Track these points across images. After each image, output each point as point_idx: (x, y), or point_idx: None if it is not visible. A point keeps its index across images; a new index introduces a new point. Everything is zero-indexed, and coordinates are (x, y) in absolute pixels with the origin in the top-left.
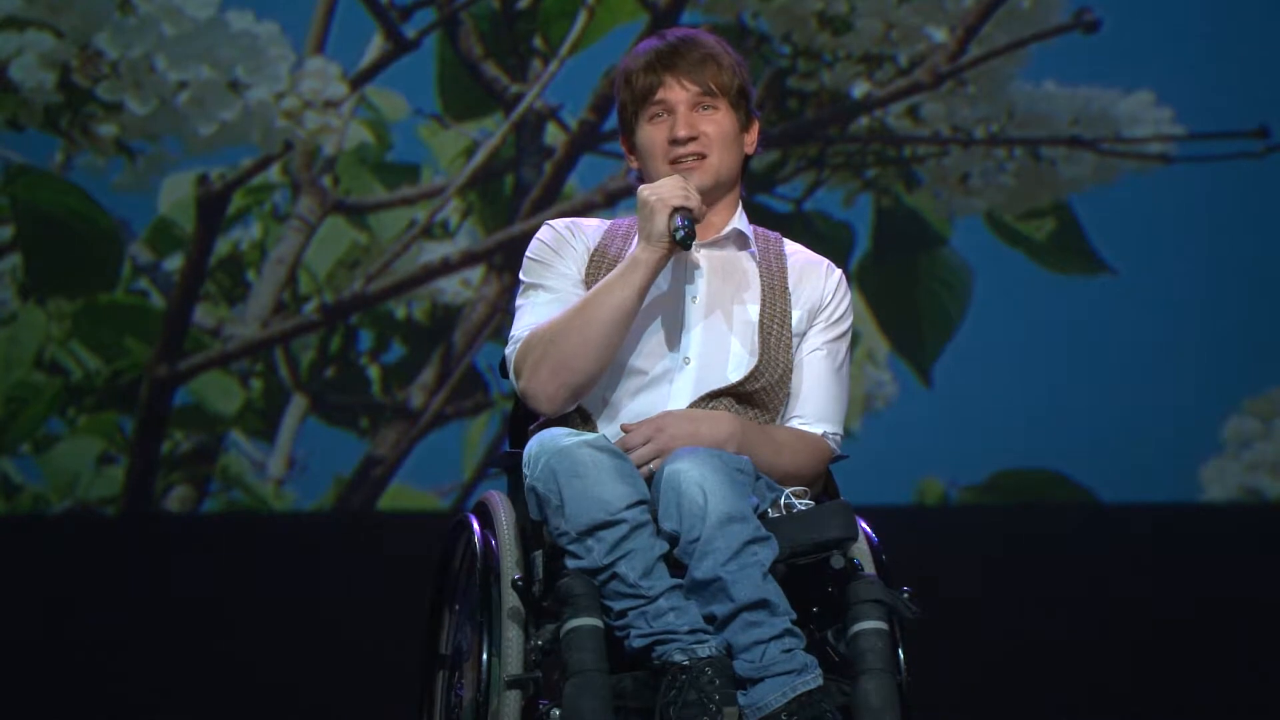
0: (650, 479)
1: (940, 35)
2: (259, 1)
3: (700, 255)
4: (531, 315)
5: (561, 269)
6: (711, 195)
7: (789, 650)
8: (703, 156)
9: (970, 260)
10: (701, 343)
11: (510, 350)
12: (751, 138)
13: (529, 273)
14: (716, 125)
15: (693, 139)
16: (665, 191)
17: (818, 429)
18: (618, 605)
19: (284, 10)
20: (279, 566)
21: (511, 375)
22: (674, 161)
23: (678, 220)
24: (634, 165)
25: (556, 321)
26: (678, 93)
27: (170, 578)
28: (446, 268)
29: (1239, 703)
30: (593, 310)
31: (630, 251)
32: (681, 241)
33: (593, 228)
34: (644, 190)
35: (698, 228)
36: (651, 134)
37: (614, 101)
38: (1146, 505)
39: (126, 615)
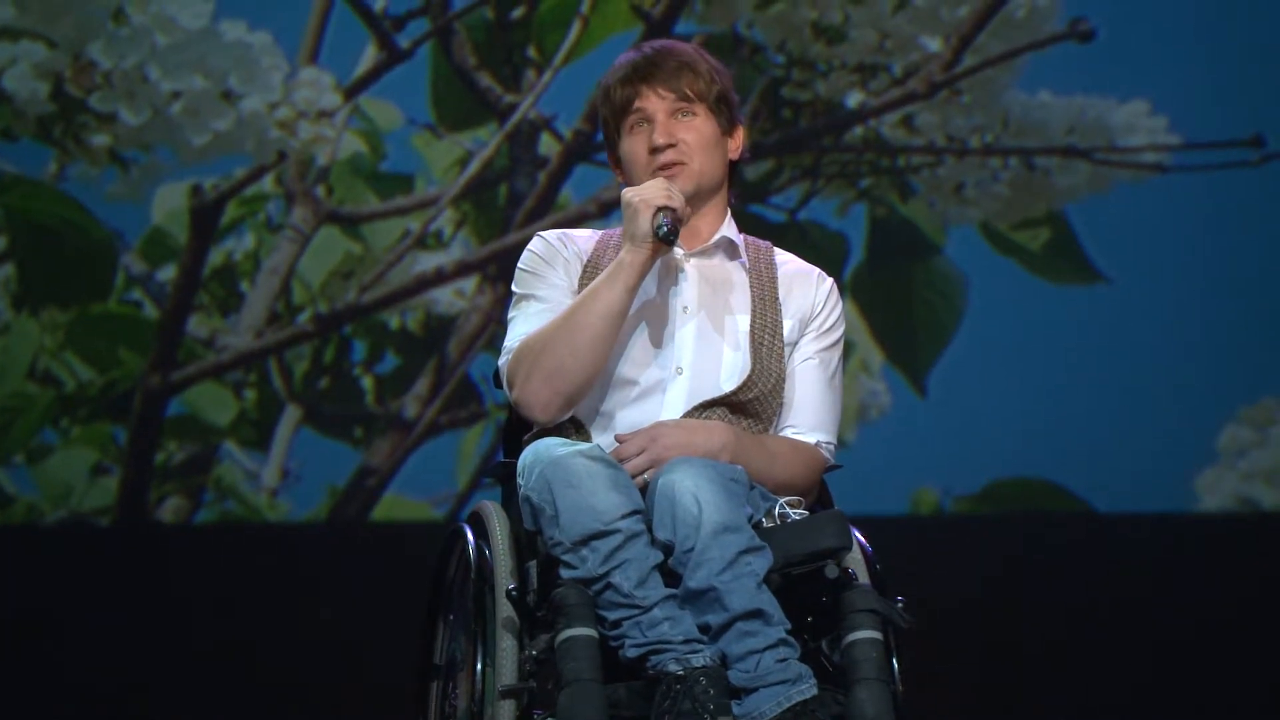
0: (644, 489)
1: (935, 45)
2: (252, 11)
3: (689, 264)
4: (524, 326)
5: (554, 279)
6: (696, 202)
7: (783, 660)
8: (682, 164)
9: (965, 270)
10: (693, 352)
11: (503, 361)
12: (736, 144)
13: (521, 284)
14: (695, 132)
15: (671, 146)
16: (648, 192)
17: (811, 438)
18: (612, 615)
19: (277, 20)
20: (273, 577)
21: (505, 386)
22: (655, 170)
23: (661, 219)
24: (620, 177)
25: (546, 329)
26: (654, 101)
27: (164, 588)
28: (440, 278)
29: (1236, 712)
30: (581, 315)
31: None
32: (664, 238)
33: (584, 238)
34: (627, 192)
35: (685, 235)
36: (632, 144)
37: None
38: (1142, 515)
39: (120, 626)
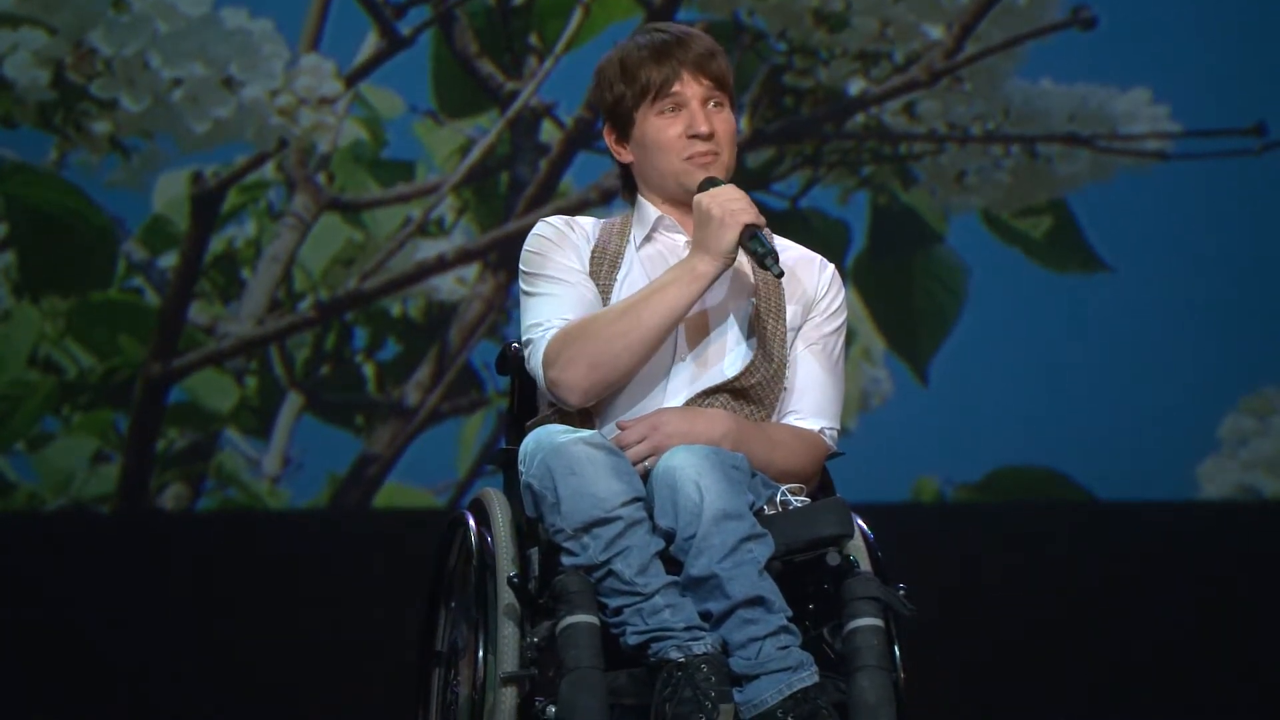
0: (646, 476)
1: (937, 32)
2: None
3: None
4: (552, 304)
5: (566, 261)
6: None
7: (785, 647)
8: (716, 154)
9: (967, 258)
10: (697, 340)
11: (537, 336)
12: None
13: (534, 264)
14: (725, 123)
15: (710, 135)
16: (733, 204)
17: (814, 425)
18: (613, 602)
19: (278, 7)
20: (274, 564)
21: (537, 363)
22: (689, 157)
23: (762, 244)
24: (626, 159)
25: (600, 318)
26: (692, 87)
27: (165, 576)
28: (442, 265)
29: (1237, 701)
30: (642, 314)
31: (631, 254)
32: (772, 269)
33: (590, 225)
34: (706, 201)
35: (689, 223)
36: (662, 126)
37: (600, 94)
38: (1143, 503)
39: (121, 613)
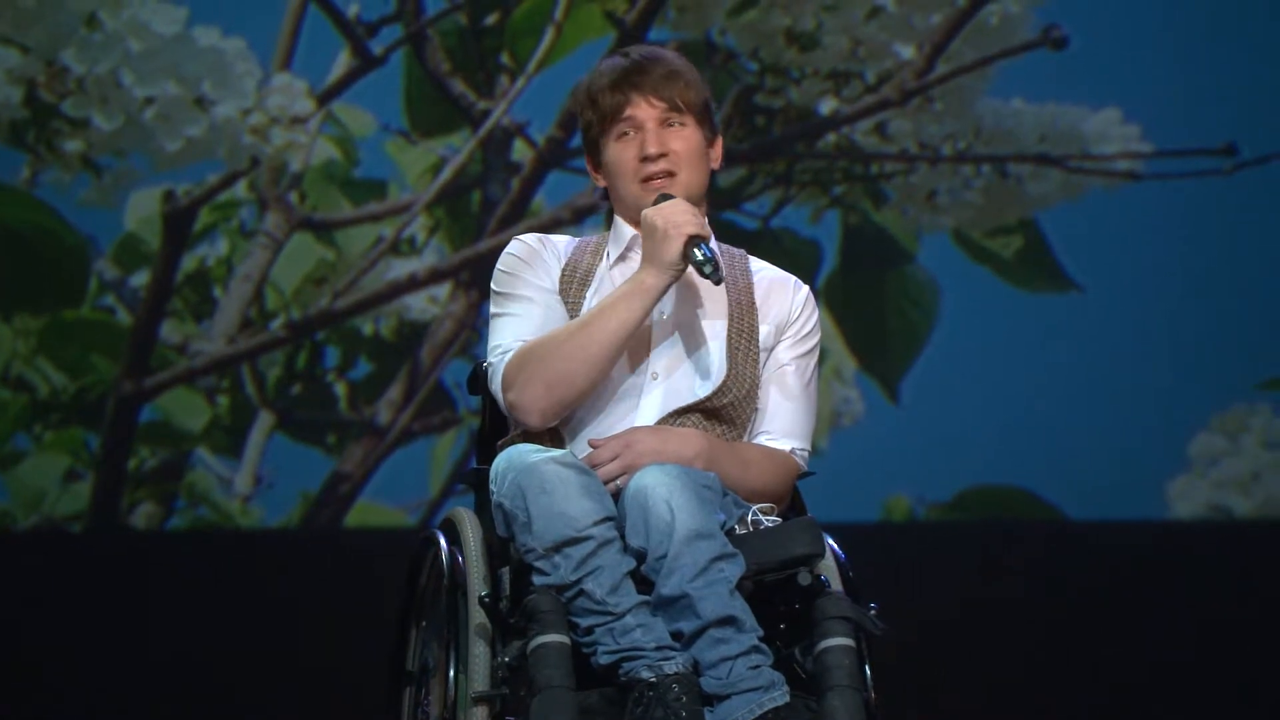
0: (618, 495)
1: (908, 52)
2: (226, 17)
3: None
4: (514, 326)
5: (536, 281)
6: None
7: (756, 667)
8: (672, 174)
9: (938, 277)
10: (669, 359)
11: (496, 360)
12: (716, 153)
13: (504, 284)
14: (684, 142)
15: (663, 155)
16: (677, 217)
17: (785, 445)
18: (585, 622)
19: (251, 26)
20: (245, 583)
21: (498, 386)
22: (644, 180)
23: (703, 252)
24: (601, 184)
25: (554, 337)
26: (646, 110)
27: (136, 595)
28: (414, 284)
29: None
30: (594, 330)
31: (603, 272)
32: (712, 277)
33: (563, 243)
34: (651, 214)
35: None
36: (620, 152)
37: (578, 120)
38: (1114, 522)
39: (92, 632)
